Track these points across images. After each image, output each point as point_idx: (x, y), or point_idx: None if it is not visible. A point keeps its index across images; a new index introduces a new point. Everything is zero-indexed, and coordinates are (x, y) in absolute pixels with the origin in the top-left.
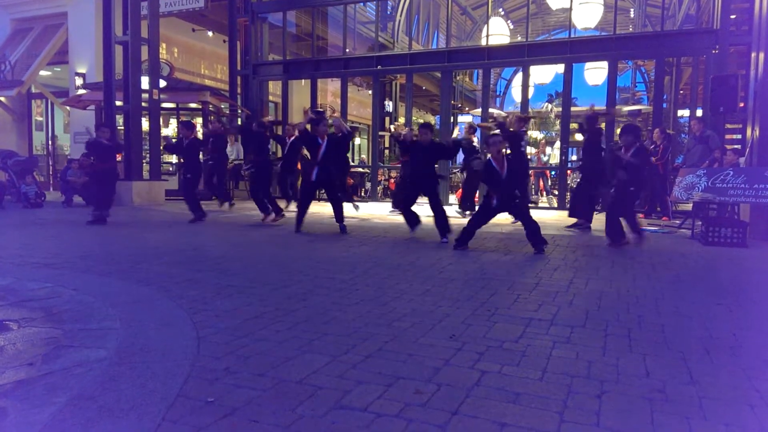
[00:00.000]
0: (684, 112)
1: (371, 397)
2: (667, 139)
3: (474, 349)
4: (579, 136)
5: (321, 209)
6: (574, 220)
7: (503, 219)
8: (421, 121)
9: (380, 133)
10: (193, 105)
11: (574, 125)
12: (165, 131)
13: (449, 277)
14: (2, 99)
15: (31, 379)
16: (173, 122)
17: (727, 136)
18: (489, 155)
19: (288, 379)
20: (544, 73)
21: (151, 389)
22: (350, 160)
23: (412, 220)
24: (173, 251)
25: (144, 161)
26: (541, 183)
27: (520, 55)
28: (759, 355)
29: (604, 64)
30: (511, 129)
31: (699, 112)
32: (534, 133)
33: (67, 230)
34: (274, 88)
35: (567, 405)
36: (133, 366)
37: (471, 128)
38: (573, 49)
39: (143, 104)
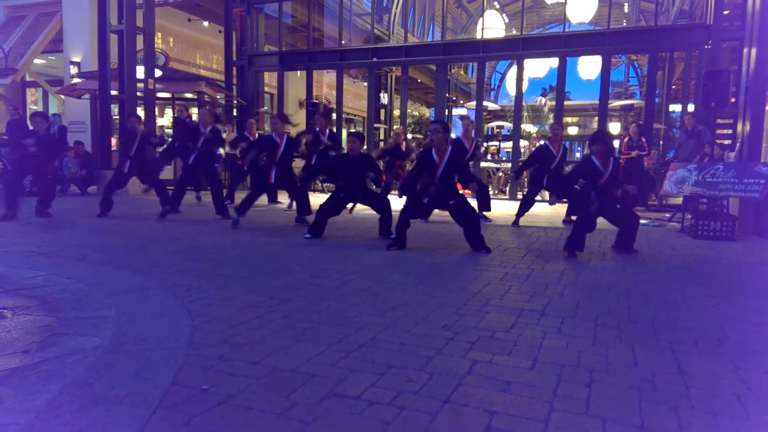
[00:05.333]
0: (676, 107)
1: (364, 385)
2: (643, 134)
3: (466, 339)
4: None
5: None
6: None
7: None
8: (416, 113)
9: (375, 125)
10: (188, 95)
11: (567, 119)
12: (161, 121)
13: (442, 268)
14: None
15: (26, 367)
16: (168, 112)
17: (718, 131)
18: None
19: (282, 368)
20: (539, 67)
21: (146, 377)
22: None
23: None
24: (168, 240)
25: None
26: None
27: (515, 48)
28: (746, 346)
29: (598, 59)
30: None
31: (691, 107)
32: (527, 127)
33: (62, 219)
34: (270, 79)
35: (557, 394)
36: (128, 354)
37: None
38: (567, 43)
39: (138, 94)
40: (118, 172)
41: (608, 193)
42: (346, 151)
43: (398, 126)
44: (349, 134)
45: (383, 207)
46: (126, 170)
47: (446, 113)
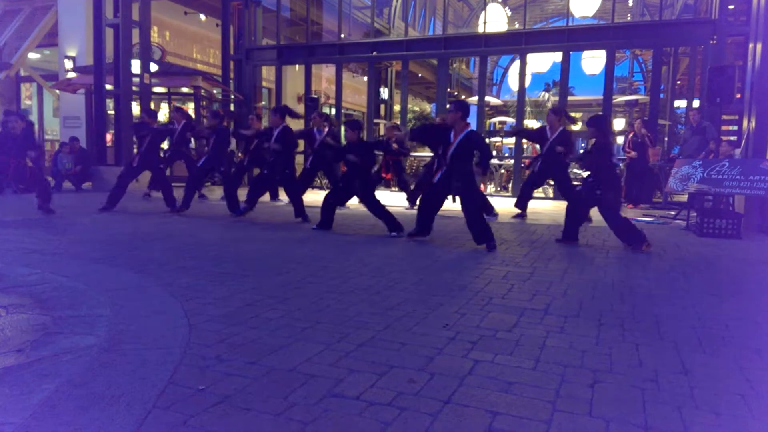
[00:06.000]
0: (681, 103)
1: (364, 385)
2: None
3: (467, 338)
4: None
5: (316, 197)
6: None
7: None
8: (417, 109)
9: (375, 120)
10: (185, 90)
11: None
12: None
13: (443, 266)
14: None
15: (20, 366)
16: (164, 107)
17: (724, 127)
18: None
19: (280, 367)
20: (542, 62)
21: (142, 376)
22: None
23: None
24: (165, 238)
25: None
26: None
27: (518, 43)
28: (750, 345)
29: (602, 53)
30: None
31: (696, 103)
32: (530, 122)
33: (57, 216)
34: (268, 73)
35: (560, 394)
36: (124, 353)
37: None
38: (571, 38)
39: (134, 88)
40: (128, 167)
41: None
42: (345, 143)
43: (392, 122)
44: (345, 123)
45: (376, 209)
46: (135, 164)
47: (447, 109)
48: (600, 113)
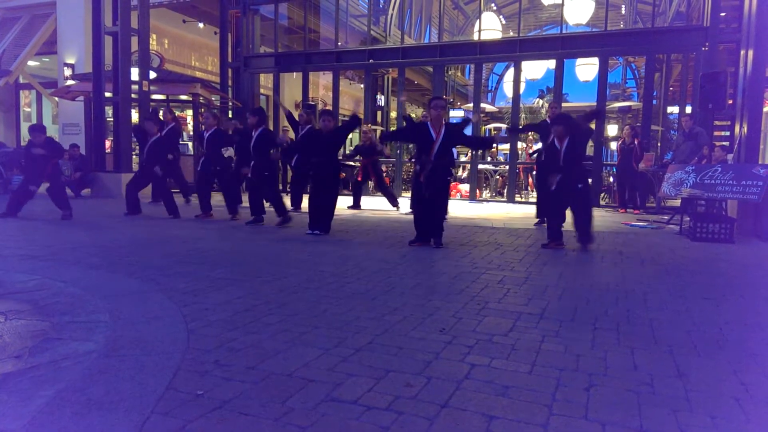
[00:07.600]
0: (673, 109)
1: (362, 390)
2: (637, 136)
3: (464, 343)
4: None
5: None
6: None
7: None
8: (413, 115)
9: (372, 127)
10: (183, 97)
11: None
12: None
13: (440, 270)
14: None
15: (19, 372)
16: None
17: (716, 133)
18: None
19: (278, 372)
20: (536, 69)
21: (140, 382)
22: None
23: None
24: (163, 243)
25: (133, 153)
26: (530, 178)
27: (512, 50)
28: (745, 349)
29: (595, 60)
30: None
31: (688, 109)
32: None
33: (56, 222)
34: (266, 80)
35: (555, 398)
36: (122, 359)
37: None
38: (564, 45)
39: (133, 96)
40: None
41: (566, 171)
42: (318, 128)
43: (367, 125)
44: (322, 112)
45: (326, 200)
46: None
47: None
48: (561, 112)
